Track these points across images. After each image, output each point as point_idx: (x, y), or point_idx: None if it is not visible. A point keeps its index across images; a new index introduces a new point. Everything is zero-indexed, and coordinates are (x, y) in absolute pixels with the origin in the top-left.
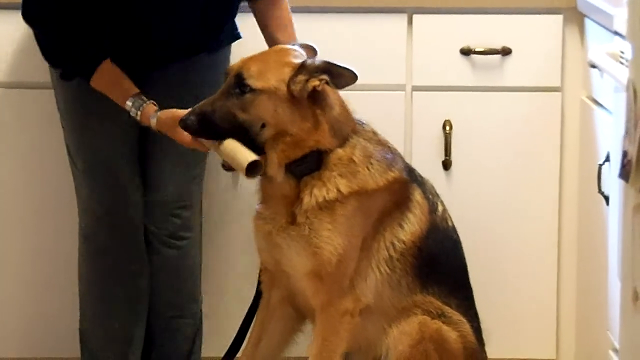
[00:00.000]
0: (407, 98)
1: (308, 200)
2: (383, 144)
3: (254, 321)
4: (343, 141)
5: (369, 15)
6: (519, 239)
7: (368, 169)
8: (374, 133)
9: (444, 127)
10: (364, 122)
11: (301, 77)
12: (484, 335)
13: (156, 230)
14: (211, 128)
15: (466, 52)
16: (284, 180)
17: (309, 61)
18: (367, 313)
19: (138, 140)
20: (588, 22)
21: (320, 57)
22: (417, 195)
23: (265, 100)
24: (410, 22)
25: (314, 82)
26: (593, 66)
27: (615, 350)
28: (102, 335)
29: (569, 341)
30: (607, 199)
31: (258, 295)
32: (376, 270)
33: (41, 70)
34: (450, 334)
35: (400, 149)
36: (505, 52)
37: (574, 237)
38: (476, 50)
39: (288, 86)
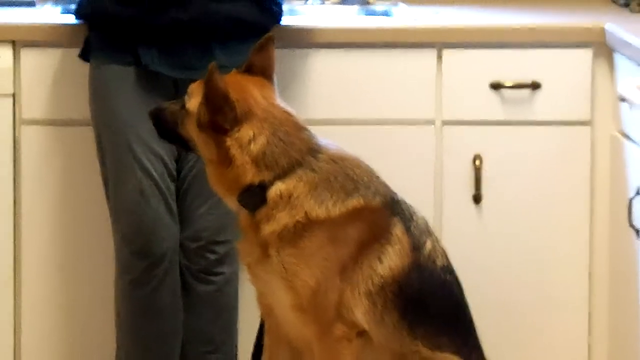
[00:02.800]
0: (437, 132)
1: (264, 233)
2: (345, 172)
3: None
4: (283, 173)
5: (399, 50)
6: (550, 274)
7: (314, 200)
8: (335, 160)
9: (474, 161)
10: (330, 146)
11: (202, 106)
12: None
13: (190, 265)
14: (163, 128)
15: (496, 86)
16: (243, 214)
17: (212, 89)
18: (366, 346)
19: (172, 177)
20: (617, 56)
21: (351, 92)
22: (398, 229)
23: (189, 123)
24: (439, 56)
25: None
26: (623, 100)
27: None
28: None
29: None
30: (638, 232)
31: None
32: (360, 303)
33: (79, 107)
34: None
35: (430, 183)
36: (535, 86)
37: (606, 272)
38: (506, 84)
39: (199, 111)
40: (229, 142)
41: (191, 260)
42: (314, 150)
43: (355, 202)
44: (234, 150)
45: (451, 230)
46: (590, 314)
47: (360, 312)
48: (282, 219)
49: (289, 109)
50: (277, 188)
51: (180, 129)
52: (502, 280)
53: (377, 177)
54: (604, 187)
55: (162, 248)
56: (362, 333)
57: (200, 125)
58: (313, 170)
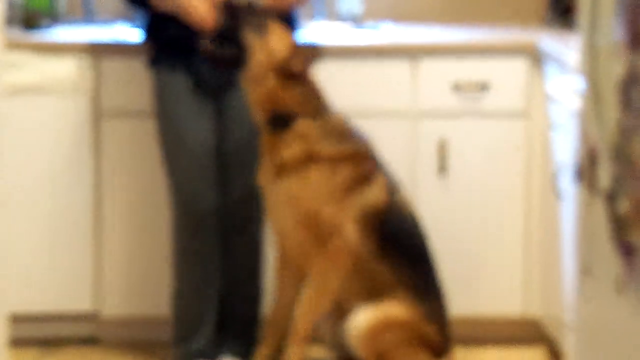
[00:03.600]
0: (412, 121)
1: (282, 156)
2: (347, 128)
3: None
4: (308, 114)
5: (384, 57)
6: (495, 227)
7: (326, 140)
8: (339, 122)
9: (440, 143)
10: (338, 112)
11: (288, 50)
12: (462, 300)
13: (229, 221)
14: (230, 17)
15: (456, 86)
16: (267, 138)
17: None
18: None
19: (213, 156)
20: (547, 64)
21: (348, 89)
22: (380, 174)
23: (263, 50)
24: (414, 63)
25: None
26: (551, 96)
27: (568, 309)
28: (187, 299)
29: (534, 300)
30: (559, 196)
31: None
32: (349, 224)
33: (145, 103)
34: (395, 310)
35: (407, 159)
36: (485, 87)
37: (538, 225)
38: (463, 85)
39: (287, 55)
40: (287, 82)
41: (229, 217)
42: (327, 106)
43: (351, 147)
44: (288, 88)
45: (423, 194)
46: (525, 254)
47: (351, 232)
48: (299, 147)
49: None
50: (302, 121)
51: (245, 35)
52: (461, 232)
53: (368, 138)
54: (536, 161)
55: (206, 208)
56: (351, 253)
57: (276, 62)
58: (328, 120)
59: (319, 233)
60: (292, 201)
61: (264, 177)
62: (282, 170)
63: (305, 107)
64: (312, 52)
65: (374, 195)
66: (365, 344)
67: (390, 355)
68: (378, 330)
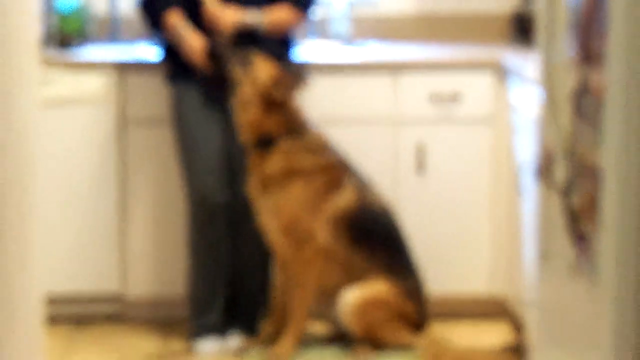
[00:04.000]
0: (394, 127)
1: (266, 172)
2: (321, 142)
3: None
4: (288, 133)
5: (368, 71)
6: (466, 219)
7: (301, 155)
8: (315, 139)
9: (418, 146)
10: (313, 126)
11: (271, 80)
12: (437, 280)
13: (239, 211)
14: (216, 54)
15: (432, 97)
16: (254, 156)
17: (290, 78)
18: (325, 257)
19: (224, 157)
20: (509, 75)
21: (337, 100)
22: (350, 180)
23: (249, 81)
24: (395, 77)
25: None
26: (513, 104)
27: (529, 288)
28: (201, 279)
29: (499, 280)
30: (522, 193)
31: None
32: (323, 227)
33: (163, 112)
34: (377, 289)
35: (389, 159)
36: (457, 97)
37: (503, 217)
38: (439, 95)
39: (269, 85)
40: (270, 107)
41: (238, 208)
42: (306, 125)
43: (324, 160)
44: (271, 112)
45: (403, 191)
46: (491, 240)
47: (323, 236)
48: (279, 164)
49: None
50: (283, 141)
51: (230, 69)
52: (436, 224)
53: (337, 150)
54: (502, 163)
55: (217, 203)
56: (324, 253)
57: (260, 90)
58: (305, 138)
59: (296, 238)
60: (276, 212)
61: (253, 191)
62: (267, 184)
63: (286, 129)
64: (294, 81)
65: (344, 199)
66: (355, 319)
67: (376, 328)
68: (364, 307)
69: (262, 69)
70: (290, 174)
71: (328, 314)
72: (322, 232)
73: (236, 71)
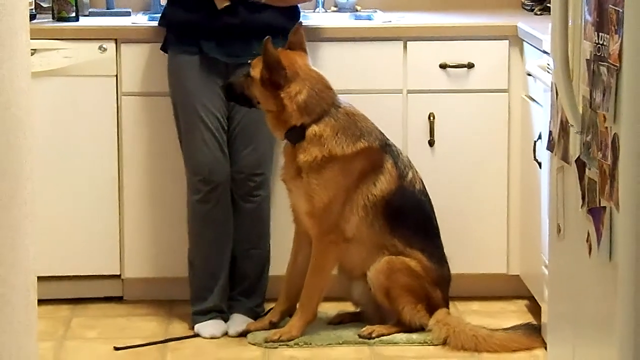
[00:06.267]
0: (403, 98)
1: (299, 160)
2: (355, 123)
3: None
4: (317, 118)
5: (378, 42)
6: (481, 192)
7: (335, 141)
8: (348, 114)
9: (429, 117)
10: (345, 104)
11: (261, 69)
12: (451, 260)
13: (237, 190)
14: (234, 94)
15: (443, 66)
16: (287, 145)
17: (269, 56)
18: (353, 243)
19: (225, 130)
20: (525, 45)
21: (345, 71)
22: (389, 163)
23: (254, 86)
24: (405, 46)
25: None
26: (529, 74)
27: (546, 266)
28: (202, 261)
29: (516, 259)
30: (540, 164)
31: None
32: (356, 214)
33: (162, 84)
34: (411, 262)
35: (399, 132)
36: (470, 66)
37: (519, 190)
38: (450, 64)
39: (260, 76)
40: (282, 94)
41: (238, 187)
42: (336, 104)
43: (361, 144)
44: (286, 101)
45: (414, 162)
46: (508, 217)
47: (353, 223)
48: (313, 152)
49: (320, 72)
50: (313, 129)
51: (246, 92)
52: (449, 198)
53: (376, 127)
54: (517, 133)
55: (218, 178)
56: (347, 240)
57: (263, 83)
58: (336, 119)
59: (324, 224)
60: (307, 196)
61: (286, 176)
62: (301, 171)
63: (310, 115)
64: (272, 58)
65: (382, 184)
66: (382, 277)
67: (395, 292)
68: (394, 269)
69: (256, 67)
70: (325, 161)
71: (349, 293)
72: (354, 220)
73: (247, 87)
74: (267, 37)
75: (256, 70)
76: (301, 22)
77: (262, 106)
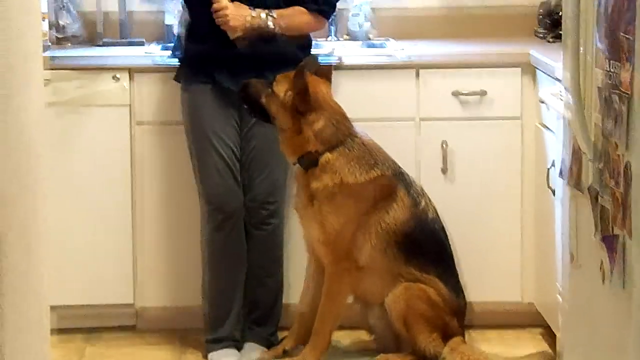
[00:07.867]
0: (416, 126)
1: (312, 187)
2: (370, 152)
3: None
4: (331, 147)
5: (391, 70)
6: (494, 221)
7: (348, 169)
8: (364, 144)
9: (441, 145)
10: (362, 134)
11: (289, 91)
12: (466, 288)
13: (251, 218)
14: (250, 98)
15: (456, 94)
16: (300, 172)
17: (300, 85)
18: (367, 271)
19: (238, 159)
20: (538, 73)
21: (359, 99)
22: (401, 192)
23: (273, 101)
24: (417, 74)
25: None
26: (542, 102)
27: (560, 294)
28: (216, 289)
29: (530, 288)
30: (553, 191)
31: None
32: (369, 242)
33: (175, 113)
34: (428, 289)
35: (412, 160)
36: (483, 93)
37: (532, 218)
38: (463, 92)
39: (285, 96)
40: (302, 120)
41: (251, 215)
42: (352, 134)
43: (373, 173)
44: (304, 126)
45: (427, 191)
46: (522, 245)
47: (367, 251)
48: (326, 179)
49: (339, 104)
50: (326, 157)
51: (264, 102)
52: (463, 227)
53: (389, 157)
54: (530, 161)
55: (232, 207)
56: (360, 268)
57: (284, 106)
58: (351, 149)
59: (336, 253)
60: (319, 225)
61: (299, 204)
62: (312, 198)
63: (325, 144)
64: (302, 86)
65: (395, 213)
66: (398, 302)
67: (412, 319)
68: (412, 295)
69: (280, 84)
70: (337, 189)
71: (365, 320)
72: (367, 248)
73: (265, 98)
74: (301, 62)
75: (280, 88)
76: (332, 64)
77: (278, 123)
